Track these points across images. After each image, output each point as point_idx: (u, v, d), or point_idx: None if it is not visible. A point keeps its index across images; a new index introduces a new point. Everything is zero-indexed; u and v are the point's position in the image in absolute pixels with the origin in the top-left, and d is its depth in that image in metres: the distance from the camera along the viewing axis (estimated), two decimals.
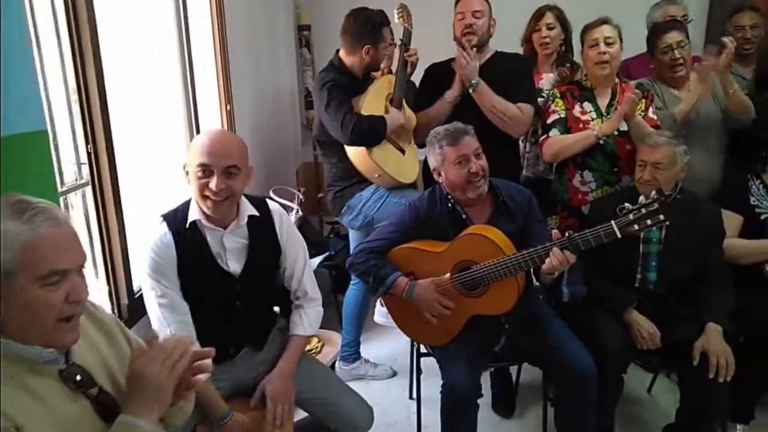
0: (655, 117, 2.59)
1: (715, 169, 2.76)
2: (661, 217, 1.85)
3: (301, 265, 1.96)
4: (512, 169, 2.78)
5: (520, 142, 2.98)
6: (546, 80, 3.07)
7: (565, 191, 2.69)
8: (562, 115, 2.63)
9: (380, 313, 3.03)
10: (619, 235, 1.90)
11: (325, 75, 2.55)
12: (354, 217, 2.65)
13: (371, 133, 2.44)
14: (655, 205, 1.86)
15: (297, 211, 3.29)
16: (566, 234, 1.94)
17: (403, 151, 2.61)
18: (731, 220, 2.55)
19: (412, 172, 2.62)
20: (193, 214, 1.77)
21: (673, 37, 2.70)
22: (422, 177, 2.75)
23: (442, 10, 2.89)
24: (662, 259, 2.37)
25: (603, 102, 2.62)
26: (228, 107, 3.00)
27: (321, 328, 3.35)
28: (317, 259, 3.33)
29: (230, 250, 1.82)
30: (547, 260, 1.93)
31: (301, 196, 3.31)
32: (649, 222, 1.87)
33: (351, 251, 2.74)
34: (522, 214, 2.19)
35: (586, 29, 2.60)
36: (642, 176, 2.35)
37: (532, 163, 3.06)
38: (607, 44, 2.52)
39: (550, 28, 3.04)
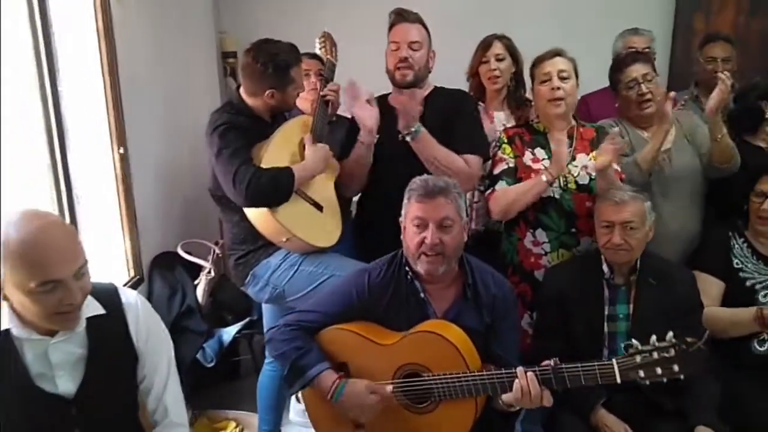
0: (618, 167, 2.19)
1: (691, 225, 2.37)
2: (676, 368, 1.48)
3: (163, 377, 1.48)
4: None
5: None
6: (497, 120, 2.67)
7: (515, 252, 2.26)
8: (511, 164, 2.22)
9: (296, 410, 2.55)
10: (619, 380, 1.52)
11: (219, 116, 2.08)
12: (261, 289, 2.16)
13: (272, 190, 1.97)
14: (672, 352, 1.50)
15: (209, 271, 2.80)
16: (552, 362, 1.55)
17: (320, 208, 2.15)
18: (711, 286, 2.17)
19: (331, 233, 2.16)
20: (5, 322, 1.30)
21: (637, 69, 2.33)
22: None
23: None
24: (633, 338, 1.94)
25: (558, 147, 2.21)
26: (120, 151, 2.51)
27: (240, 408, 2.94)
28: (235, 327, 2.84)
29: (60, 365, 1.35)
30: (515, 387, 1.53)
31: (218, 251, 2.83)
32: (659, 371, 1.50)
33: (265, 326, 2.28)
34: (493, 311, 1.77)
35: (537, 62, 2.21)
36: (611, 240, 1.95)
37: (482, 213, 2.62)
38: (562, 78, 2.13)
39: (499, 60, 2.65)
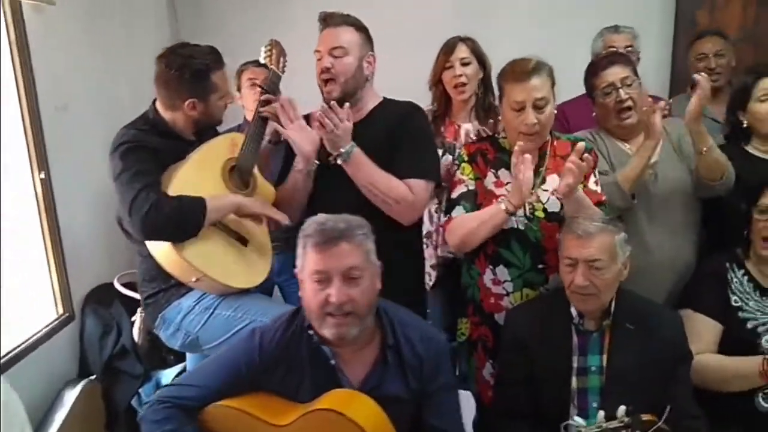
0: (599, 189, 1.86)
1: (683, 255, 2.04)
2: None
3: None
4: (410, 265, 2.01)
5: (425, 215, 2.25)
6: (464, 133, 2.36)
7: (476, 289, 1.95)
8: (471, 187, 1.90)
9: None
10: None
11: (124, 133, 1.80)
12: (172, 334, 1.87)
13: (175, 222, 1.67)
14: None
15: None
16: None
17: (244, 242, 1.86)
18: (706, 329, 1.85)
19: (255, 271, 1.86)
20: None
21: (615, 73, 2.01)
22: None
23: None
24: (606, 398, 1.63)
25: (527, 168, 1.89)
26: (41, 176, 2.26)
27: None
28: (176, 369, 2.56)
29: None
30: None
31: None
32: None
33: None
34: (421, 375, 1.47)
35: (507, 79, 1.84)
36: (573, 280, 1.63)
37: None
38: (537, 108, 1.78)
39: (464, 64, 2.35)
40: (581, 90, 2.58)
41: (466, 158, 1.94)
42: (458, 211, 1.88)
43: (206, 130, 1.96)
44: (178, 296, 1.84)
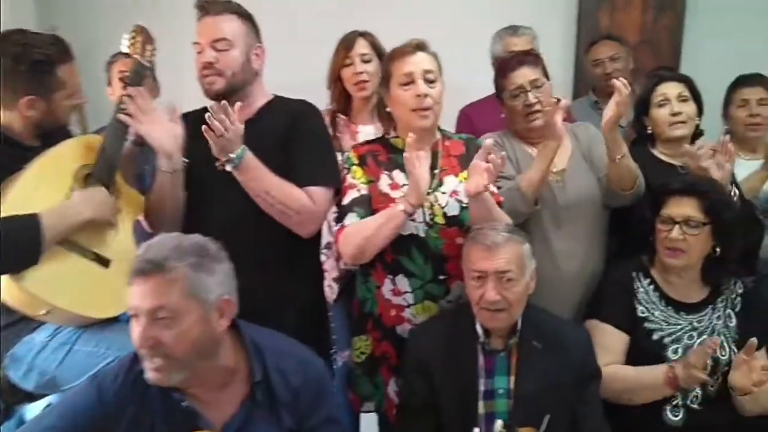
0: (496, 189, 1.74)
1: (592, 266, 1.93)
2: None
3: None
4: (308, 279, 1.82)
5: (324, 225, 2.05)
6: (363, 136, 2.19)
7: (375, 303, 1.77)
8: (363, 192, 1.72)
9: None
10: None
11: None
12: (24, 375, 1.56)
13: (4, 252, 1.37)
14: None
15: None
16: None
17: (105, 263, 1.58)
18: (612, 340, 1.75)
19: (121, 297, 1.58)
20: None
21: (524, 74, 1.90)
22: None
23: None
24: (514, 422, 1.48)
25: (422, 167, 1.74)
26: None
27: None
28: (43, 402, 2.21)
29: None
30: None
31: None
32: None
33: None
34: (297, 410, 1.30)
35: (395, 57, 1.73)
36: (483, 295, 1.50)
37: None
38: (428, 81, 1.67)
39: (365, 61, 2.18)
40: (481, 92, 2.52)
41: (355, 161, 1.75)
42: (351, 219, 1.69)
43: (54, 133, 1.64)
44: (29, 330, 1.54)
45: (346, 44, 2.20)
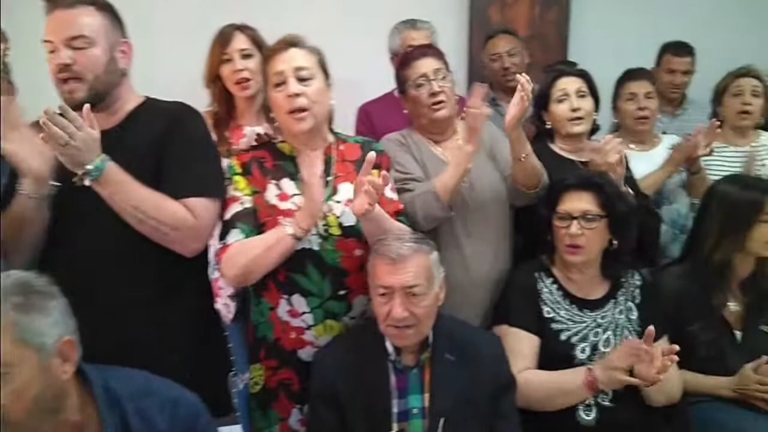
0: (395, 196, 1.62)
1: (501, 266, 1.87)
2: None
3: None
4: (195, 300, 1.59)
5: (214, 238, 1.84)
6: (250, 139, 2.00)
7: (269, 327, 1.59)
8: (248, 204, 1.54)
9: None
10: None
11: None
12: None
13: None
14: None
15: None
16: None
17: None
18: (522, 343, 1.69)
19: None
20: None
21: (427, 64, 1.81)
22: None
23: None
24: None
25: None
26: None
27: None
28: None
29: None
30: None
31: None
32: None
33: None
34: None
35: (266, 57, 1.58)
36: (390, 313, 1.40)
37: None
38: (300, 80, 1.50)
39: (245, 56, 1.99)
40: (380, 88, 2.42)
41: (238, 170, 1.57)
42: (236, 236, 1.51)
43: None
44: None
45: (222, 39, 2.01)
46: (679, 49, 2.75)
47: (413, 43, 2.26)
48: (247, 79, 1.98)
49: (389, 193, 1.60)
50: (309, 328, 1.56)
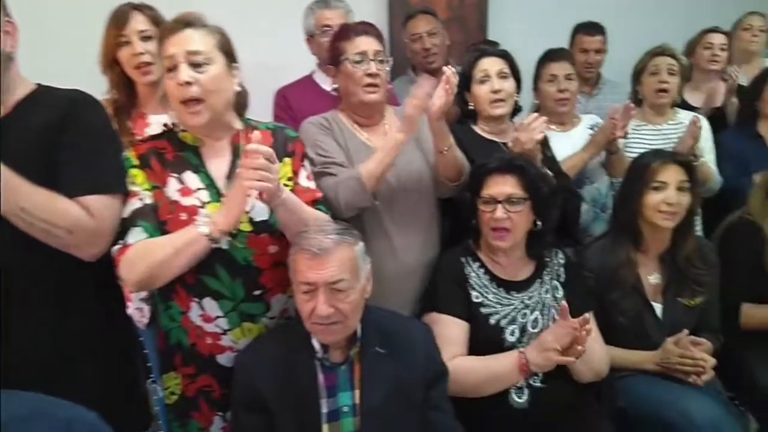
0: (312, 184, 1.53)
1: (431, 254, 1.82)
2: None
3: None
4: (102, 307, 1.44)
5: None
6: (158, 128, 1.84)
7: (183, 332, 1.47)
8: (148, 200, 1.40)
9: None
10: None
11: None
12: None
13: None
14: None
15: None
16: None
17: None
18: (451, 329, 1.66)
19: None
20: None
21: (369, 42, 1.72)
22: None
23: None
24: None
25: (219, 168, 1.45)
26: None
27: None
28: None
29: None
30: None
31: None
32: None
33: None
34: None
35: (161, 37, 1.41)
36: (314, 309, 1.32)
37: None
38: (194, 65, 1.35)
39: (145, 38, 1.83)
40: (291, 72, 2.31)
41: (135, 162, 1.42)
42: (137, 235, 1.36)
43: None
44: None
45: (118, 20, 1.83)
46: (590, 28, 2.79)
47: (328, 22, 2.19)
48: (148, 63, 1.82)
49: (305, 181, 1.50)
50: (225, 332, 1.45)
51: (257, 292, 1.45)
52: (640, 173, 1.81)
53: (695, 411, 1.60)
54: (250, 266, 1.42)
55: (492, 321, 1.66)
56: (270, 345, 1.43)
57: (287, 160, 1.49)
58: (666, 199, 1.75)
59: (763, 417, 1.89)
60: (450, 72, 1.63)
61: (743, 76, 2.64)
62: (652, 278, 1.85)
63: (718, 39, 2.70)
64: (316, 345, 1.39)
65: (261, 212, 1.42)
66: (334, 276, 1.31)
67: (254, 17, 2.51)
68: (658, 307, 1.83)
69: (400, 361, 1.42)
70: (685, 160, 1.83)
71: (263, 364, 1.39)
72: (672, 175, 1.77)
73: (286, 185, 1.42)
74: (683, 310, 1.82)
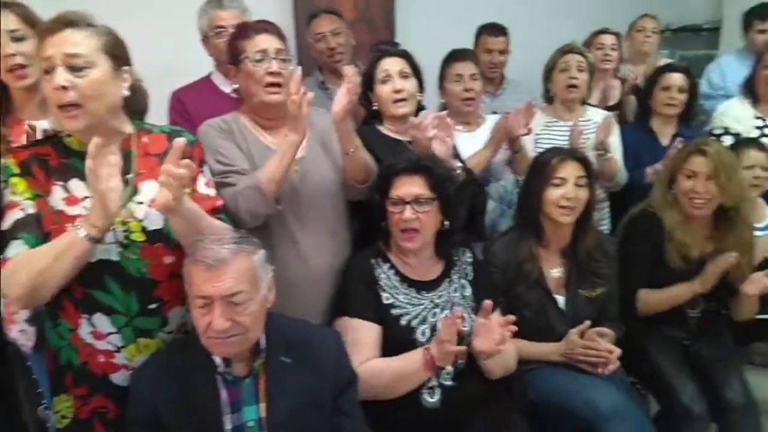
0: (212, 191, 1.46)
1: (341, 259, 1.78)
2: None
3: None
4: None
5: None
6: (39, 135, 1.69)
7: (73, 351, 1.36)
8: (30, 210, 1.29)
9: None
10: None
11: None
12: None
13: None
14: None
15: None
16: None
17: None
18: (364, 333, 1.64)
19: None
20: None
21: (268, 40, 1.66)
22: None
23: None
24: None
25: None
26: None
27: None
28: None
29: None
30: None
31: None
32: None
33: None
34: None
35: (40, 36, 1.29)
36: (211, 324, 1.25)
37: None
38: (71, 69, 1.24)
39: (17, 39, 1.67)
40: (190, 74, 2.21)
41: (15, 171, 1.30)
42: (18, 247, 1.25)
43: None
44: None
45: None
46: (493, 29, 2.87)
47: (221, 23, 2.11)
48: (22, 66, 1.66)
49: (204, 188, 1.43)
50: (119, 350, 1.36)
51: (153, 306, 1.36)
52: (540, 170, 1.86)
53: (599, 400, 1.65)
54: (144, 278, 1.34)
55: (403, 322, 1.65)
56: (168, 361, 1.35)
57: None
58: (565, 194, 1.81)
59: (663, 399, 1.99)
60: (351, 72, 1.60)
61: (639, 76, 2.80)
62: (554, 272, 1.91)
63: (608, 40, 2.85)
64: (217, 359, 1.33)
65: (155, 221, 1.33)
66: (231, 288, 1.24)
67: (147, 16, 2.39)
68: (560, 300, 1.89)
69: (308, 370, 1.38)
70: (582, 156, 1.90)
71: (161, 382, 1.31)
72: (570, 171, 1.83)
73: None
74: (585, 302, 1.89)
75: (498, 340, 1.52)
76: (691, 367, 1.99)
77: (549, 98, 2.47)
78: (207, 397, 1.32)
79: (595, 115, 2.43)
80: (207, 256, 1.23)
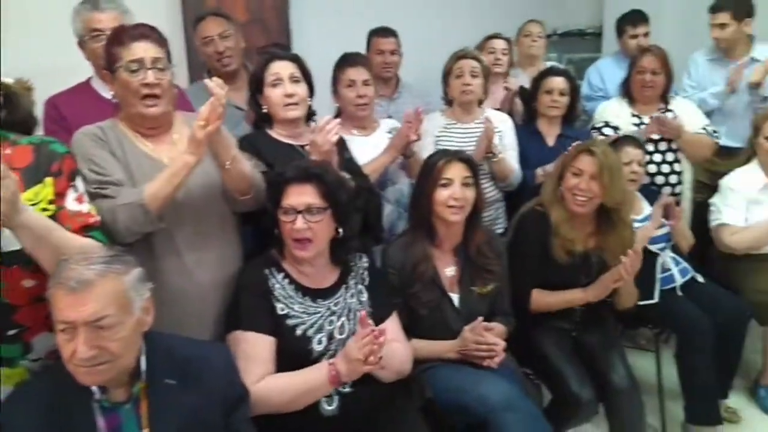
0: (84, 207, 1.36)
1: (230, 270, 1.72)
2: None
3: None
4: None
5: None
6: None
7: None
8: None
9: None
10: None
11: None
12: None
13: None
14: None
15: None
16: None
17: None
18: (258, 347, 1.61)
19: None
20: None
21: (146, 48, 1.57)
22: None
23: None
24: None
25: None
26: None
27: None
28: None
29: None
30: None
31: None
32: None
33: None
34: None
35: None
36: (75, 352, 1.16)
37: None
38: None
39: None
40: (73, 76, 2.08)
41: None
42: None
43: None
44: None
45: None
46: (383, 31, 2.92)
47: (98, 25, 1.97)
48: None
49: (73, 204, 1.34)
50: None
51: (12, 332, 1.26)
52: (429, 172, 1.90)
53: (490, 394, 1.70)
54: (1, 303, 1.23)
55: (299, 332, 1.62)
56: (37, 391, 1.25)
57: (48, 180, 1.31)
58: (452, 194, 1.86)
59: (554, 387, 2.08)
60: (212, 84, 1.51)
61: (526, 79, 2.92)
62: (448, 270, 1.95)
63: (499, 44, 2.96)
64: (95, 387, 1.24)
65: (11, 242, 1.23)
66: (96, 313, 1.15)
67: (23, 17, 2.21)
68: (455, 297, 1.93)
69: (195, 390, 1.32)
70: (467, 157, 1.95)
71: (30, 414, 1.21)
72: (456, 171, 1.88)
73: (45, 210, 1.25)
74: (477, 298, 1.94)
75: (371, 351, 1.48)
76: (579, 356, 2.10)
77: (448, 101, 2.53)
78: (82, 427, 1.23)
79: (493, 118, 2.50)
80: (70, 278, 1.15)
